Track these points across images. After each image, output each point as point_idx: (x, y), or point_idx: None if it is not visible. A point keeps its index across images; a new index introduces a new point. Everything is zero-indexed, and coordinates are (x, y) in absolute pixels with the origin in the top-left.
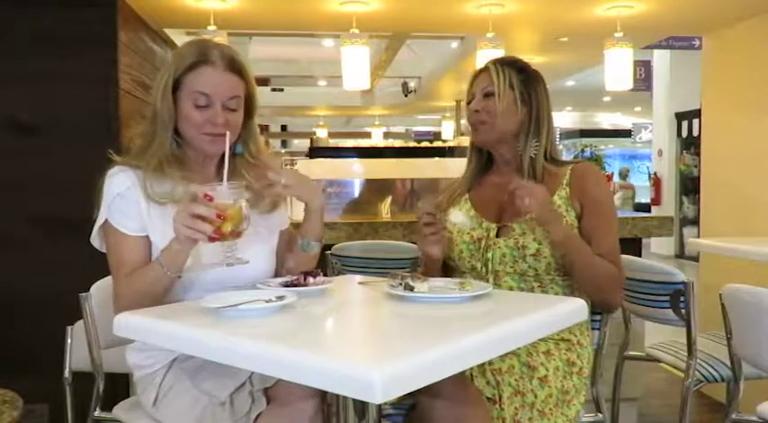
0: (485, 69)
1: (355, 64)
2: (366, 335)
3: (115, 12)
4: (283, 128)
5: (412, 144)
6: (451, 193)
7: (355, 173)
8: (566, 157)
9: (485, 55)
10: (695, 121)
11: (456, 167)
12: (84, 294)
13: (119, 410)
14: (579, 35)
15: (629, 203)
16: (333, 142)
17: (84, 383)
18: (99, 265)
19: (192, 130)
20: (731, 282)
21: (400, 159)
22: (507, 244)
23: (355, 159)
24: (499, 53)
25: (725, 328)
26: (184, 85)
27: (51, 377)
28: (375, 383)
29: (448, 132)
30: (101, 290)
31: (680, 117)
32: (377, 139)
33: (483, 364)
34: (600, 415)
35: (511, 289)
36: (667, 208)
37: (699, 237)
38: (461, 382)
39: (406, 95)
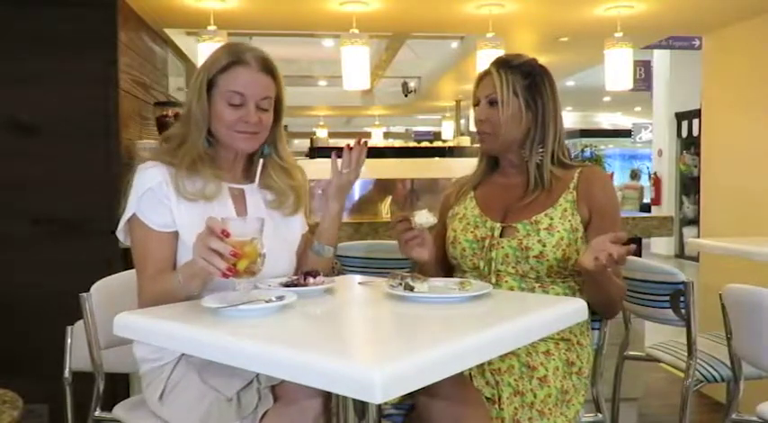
0: (488, 74)
1: (355, 64)
2: (366, 335)
3: (115, 12)
4: (284, 128)
5: (412, 144)
6: (459, 188)
7: None
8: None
9: (485, 55)
10: (695, 121)
11: (456, 167)
12: (84, 294)
13: (119, 410)
14: (579, 35)
15: (633, 203)
16: (333, 142)
17: (84, 383)
18: (99, 265)
19: (225, 129)
20: (731, 282)
21: (400, 159)
22: (510, 244)
23: None
24: (499, 53)
25: (725, 328)
26: (219, 84)
27: (51, 377)
28: (375, 383)
29: (448, 132)
30: (101, 290)
31: (680, 117)
32: (377, 139)
33: (482, 364)
34: (600, 415)
35: (511, 289)
36: (667, 208)
37: (699, 237)
38: (461, 382)
39: (406, 95)
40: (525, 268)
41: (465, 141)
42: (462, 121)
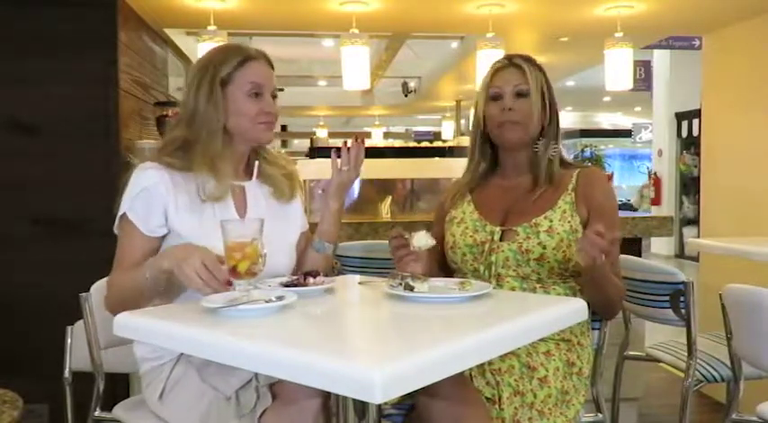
0: (515, 66)
1: (355, 64)
2: (366, 335)
3: (115, 12)
4: (283, 128)
5: (412, 144)
6: (454, 193)
7: None
8: (566, 156)
9: (485, 55)
10: (695, 121)
11: (456, 167)
12: (84, 294)
13: (119, 410)
14: (579, 35)
15: (647, 202)
16: (333, 142)
17: (84, 383)
18: (99, 266)
19: (248, 122)
20: (731, 282)
21: (400, 159)
22: (511, 248)
23: None
24: (499, 53)
25: (725, 328)
26: (235, 80)
27: (51, 377)
28: (375, 383)
29: (448, 132)
30: (101, 290)
31: (680, 117)
32: (377, 139)
33: (482, 365)
34: (600, 415)
35: (513, 290)
36: (667, 208)
37: (699, 237)
38: (461, 382)
39: (406, 95)
40: (526, 271)
41: (465, 141)
42: (462, 122)
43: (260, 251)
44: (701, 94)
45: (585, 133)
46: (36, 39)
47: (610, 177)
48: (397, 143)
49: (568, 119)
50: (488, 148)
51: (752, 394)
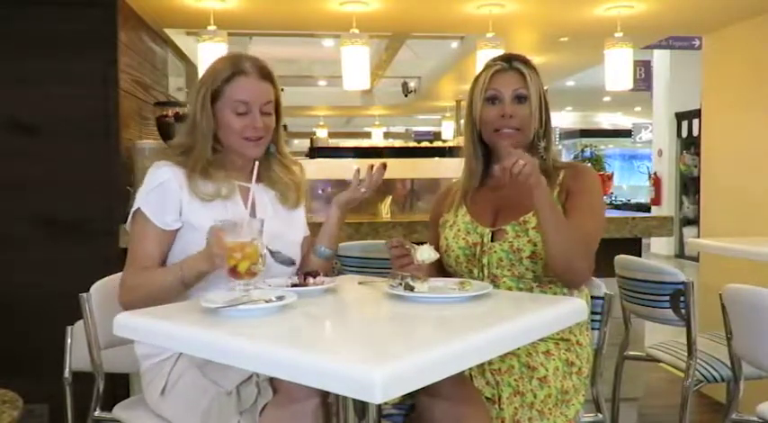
0: (514, 69)
1: (355, 64)
2: (366, 335)
3: (115, 12)
4: (284, 127)
5: (412, 144)
6: (449, 198)
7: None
8: (566, 157)
9: (485, 55)
10: (695, 121)
11: (456, 167)
12: (84, 294)
13: (119, 410)
14: (579, 35)
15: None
16: (333, 142)
17: (84, 383)
18: (99, 266)
19: (234, 137)
20: (731, 282)
21: (400, 159)
22: (502, 248)
23: (355, 159)
24: (500, 53)
25: (725, 328)
26: (223, 95)
27: (51, 377)
28: (375, 383)
29: (448, 132)
30: (101, 290)
31: (680, 117)
32: (377, 139)
33: (482, 364)
34: (600, 415)
35: (510, 290)
36: (667, 208)
37: (699, 237)
38: (461, 381)
39: (406, 95)
40: (521, 270)
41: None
42: (462, 121)
43: (260, 251)
44: (700, 94)
45: (585, 133)
46: (36, 39)
47: (610, 177)
48: (397, 143)
49: (568, 119)
50: (482, 150)
51: (752, 394)
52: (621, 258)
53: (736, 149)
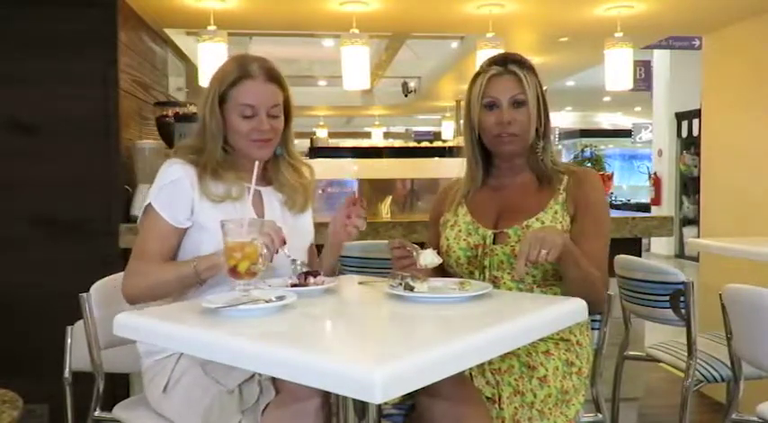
0: (510, 73)
1: (355, 64)
2: (366, 335)
3: (115, 12)
4: None
5: (412, 144)
6: (451, 198)
7: (355, 173)
8: (566, 157)
9: (485, 55)
10: (695, 121)
11: (456, 167)
12: (84, 294)
13: (119, 410)
14: (579, 35)
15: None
16: (333, 142)
17: (84, 383)
18: (99, 265)
19: (241, 140)
20: (731, 282)
21: (400, 159)
22: (504, 251)
23: (355, 159)
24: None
25: (725, 329)
26: (230, 99)
27: (51, 377)
28: (375, 383)
29: (448, 132)
30: (100, 290)
31: (680, 117)
32: (377, 139)
33: (482, 364)
34: (600, 415)
35: (510, 290)
36: (667, 208)
37: (699, 237)
38: (461, 381)
39: (406, 95)
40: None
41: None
42: (462, 122)
43: (260, 251)
44: (700, 94)
45: (585, 133)
46: (36, 39)
47: (610, 177)
48: (397, 143)
49: (568, 119)
50: (481, 152)
51: (752, 394)
52: (621, 258)
53: (736, 149)
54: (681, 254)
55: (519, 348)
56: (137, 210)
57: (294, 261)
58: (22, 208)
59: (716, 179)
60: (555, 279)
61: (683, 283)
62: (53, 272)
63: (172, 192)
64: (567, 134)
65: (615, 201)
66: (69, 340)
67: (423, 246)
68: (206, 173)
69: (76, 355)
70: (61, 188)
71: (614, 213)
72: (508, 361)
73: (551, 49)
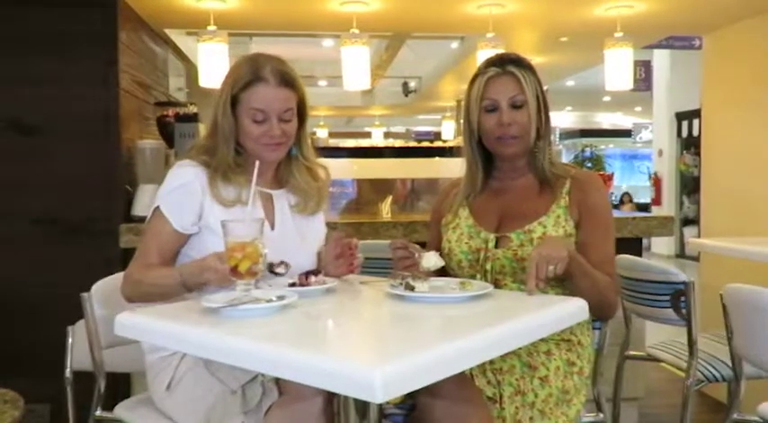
0: (508, 73)
1: (355, 64)
2: (367, 335)
3: (115, 12)
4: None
5: (412, 144)
6: (451, 200)
7: (355, 173)
8: (566, 157)
9: (485, 55)
10: (695, 121)
11: (456, 167)
12: (84, 294)
13: (120, 410)
14: (579, 35)
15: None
16: (333, 142)
17: (85, 383)
18: (99, 266)
19: (252, 143)
20: (731, 282)
21: (400, 159)
22: (506, 255)
23: (355, 159)
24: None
25: (725, 328)
26: (241, 102)
27: (52, 377)
28: (376, 383)
29: (448, 132)
30: (101, 290)
31: (680, 117)
32: (377, 139)
33: (484, 364)
34: (601, 414)
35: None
36: (668, 208)
37: (699, 237)
38: (462, 381)
39: (406, 95)
40: (523, 277)
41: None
42: (462, 122)
43: (260, 251)
44: (701, 94)
45: (585, 133)
46: (36, 39)
47: (610, 177)
48: (398, 143)
49: (568, 119)
50: (482, 154)
51: (753, 394)
52: (622, 258)
53: (736, 149)
54: (681, 254)
55: (520, 348)
56: (138, 209)
57: (274, 270)
58: (22, 208)
59: (716, 179)
60: (555, 281)
61: (683, 282)
62: (54, 271)
63: (181, 195)
64: (567, 134)
65: (615, 201)
66: (70, 340)
67: (424, 245)
68: (217, 175)
69: (78, 354)
70: (62, 188)
71: (615, 213)
72: (509, 361)
73: (551, 49)
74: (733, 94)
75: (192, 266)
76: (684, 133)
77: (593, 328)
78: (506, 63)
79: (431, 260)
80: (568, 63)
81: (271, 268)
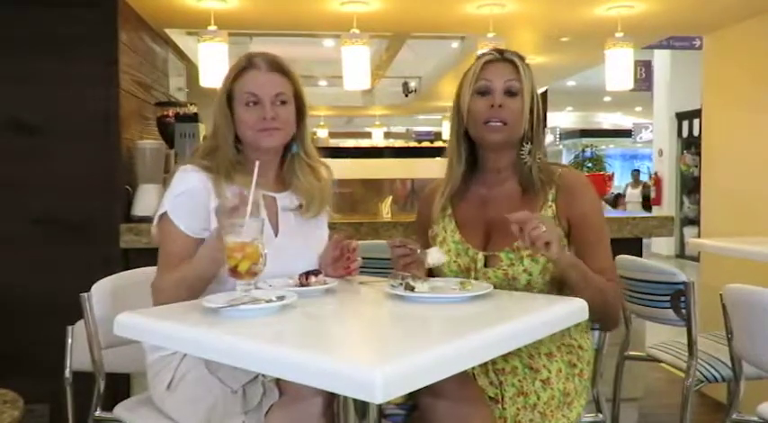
0: (507, 60)
1: (356, 64)
2: (367, 335)
3: (115, 12)
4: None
5: (412, 144)
6: (432, 201)
7: (355, 173)
8: (566, 157)
9: None
10: (695, 121)
11: None
12: (84, 294)
13: (120, 410)
14: (580, 35)
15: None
16: (333, 142)
17: (85, 383)
18: (99, 265)
19: (249, 132)
20: (731, 282)
21: (400, 159)
22: (497, 275)
23: (355, 159)
24: None
25: (725, 328)
26: (235, 91)
27: (52, 377)
28: (376, 383)
29: (448, 132)
30: (101, 290)
31: (680, 117)
32: (377, 139)
33: (486, 364)
34: (600, 415)
35: None
36: (668, 208)
37: (699, 237)
38: (463, 381)
39: (406, 95)
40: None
41: None
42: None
43: (260, 251)
44: (701, 94)
45: (586, 133)
46: (36, 39)
47: (610, 177)
48: (398, 143)
49: (569, 119)
50: (467, 148)
51: (752, 394)
52: (622, 258)
53: (736, 149)
54: (681, 254)
55: (521, 350)
56: (138, 210)
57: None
58: (22, 208)
59: (716, 179)
60: (558, 288)
61: (683, 283)
62: (54, 271)
63: (188, 201)
64: (568, 134)
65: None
66: (70, 340)
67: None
68: (220, 178)
69: (77, 354)
70: (62, 188)
71: (615, 213)
72: (511, 362)
73: (552, 49)
74: (733, 95)
75: (197, 260)
76: (685, 133)
77: (592, 329)
78: (506, 51)
79: (434, 256)
80: (569, 63)
81: (304, 281)
